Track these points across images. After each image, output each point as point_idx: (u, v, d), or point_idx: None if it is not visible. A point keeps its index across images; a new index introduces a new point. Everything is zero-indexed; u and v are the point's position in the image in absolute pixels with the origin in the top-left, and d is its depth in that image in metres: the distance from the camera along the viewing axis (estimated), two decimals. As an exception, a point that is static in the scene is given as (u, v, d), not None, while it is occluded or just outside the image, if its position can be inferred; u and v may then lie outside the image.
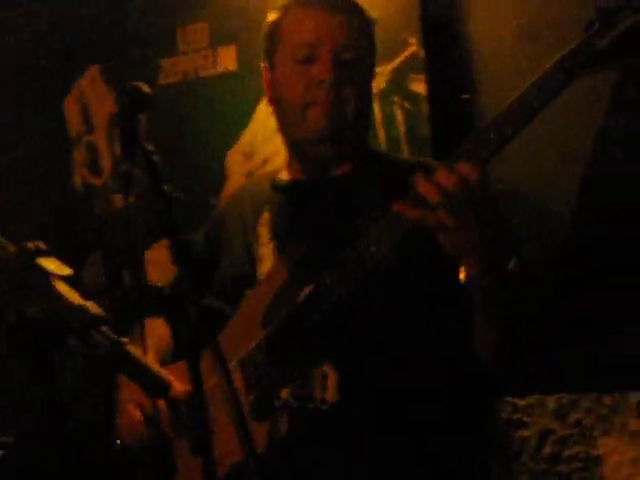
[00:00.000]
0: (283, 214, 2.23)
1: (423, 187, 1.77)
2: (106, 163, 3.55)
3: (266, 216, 2.24)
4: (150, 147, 1.76)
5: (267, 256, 2.18)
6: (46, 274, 1.51)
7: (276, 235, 2.20)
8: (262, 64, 2.28)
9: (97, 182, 3.57)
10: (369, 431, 2.02)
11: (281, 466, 2.00)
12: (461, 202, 1.75)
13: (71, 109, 3.60)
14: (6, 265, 1.51)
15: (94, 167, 3.58)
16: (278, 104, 2.23)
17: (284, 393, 2.03)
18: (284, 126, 2.24)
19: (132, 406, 2.11)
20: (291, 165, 2.29)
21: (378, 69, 2.90)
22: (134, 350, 1.48)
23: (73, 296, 1.50)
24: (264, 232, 2.22)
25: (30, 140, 3.66)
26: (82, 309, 1.48)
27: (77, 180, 3.61)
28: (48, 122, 3.64)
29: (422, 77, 2.87)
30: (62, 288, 1.51)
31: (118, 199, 3.47)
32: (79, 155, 3.61)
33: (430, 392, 2.05)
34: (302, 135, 2.18)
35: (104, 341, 1.44)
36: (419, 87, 2.87)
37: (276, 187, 2.30)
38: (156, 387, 1.44)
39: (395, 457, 2.01)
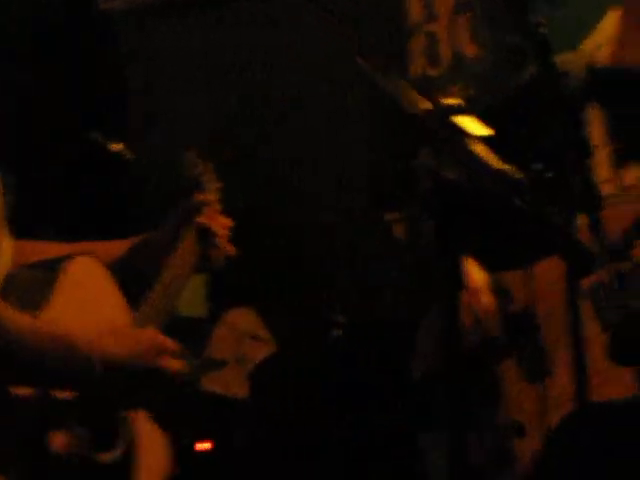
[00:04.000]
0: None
1: None
2: (446, 53, 3.46)
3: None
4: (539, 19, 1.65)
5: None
6: (462, 133, 1.42)
7: None
8: None
9: (434, 73, 3.48)
10: None
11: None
12: None
13: (413, -4, 3.52)
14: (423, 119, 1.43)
15: (432, 57, 3.49)
16: None
17: None
18: None
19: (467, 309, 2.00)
20: None
21: None
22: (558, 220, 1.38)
23: (491, 159, 1.40)
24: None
25: (365, 28, 3.62)
26: (502, 173, 1.38)
27: (413, 70, 3.54)
28: (383, 12, 3.58)
29: None
30: (479, 149, 1.41)
31: (456, 90, 3.37)
32: (417, 44, 3.53)
33: None
34: None
35: (527, 208, 1.34)
36: None
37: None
38: (585, 259, 1.33)
39: None
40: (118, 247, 1.94)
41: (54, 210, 3.45)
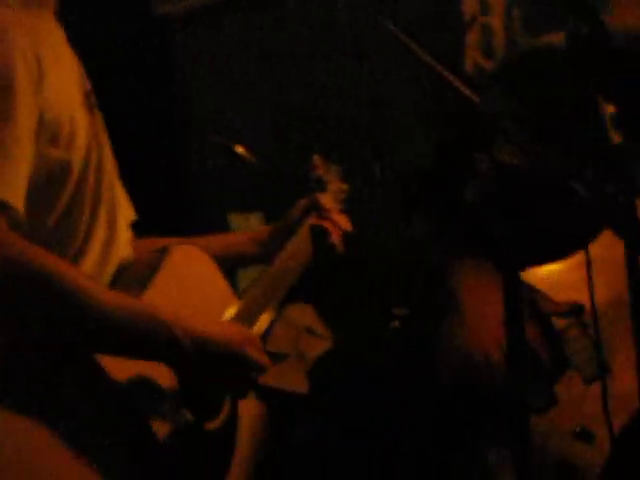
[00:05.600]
0: None
1: None
2: (499, 45, 3.44)
3: None
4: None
5: None
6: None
7: None
8: None
9: (488, 65, 3.46)
10: None
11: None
12: None
13: (468, -11, 3.50)
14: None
15: (487, 50, 3.47)
16: None
17: None
18: None
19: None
20: None
21: None
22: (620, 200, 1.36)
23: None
24: None
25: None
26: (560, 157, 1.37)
27: (468, 63, 3.52)
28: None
29: None
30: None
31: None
32: (472, 37, 3.50)
33: None
34: None
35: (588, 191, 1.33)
36: None
37: None
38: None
39: None
40: (232, 240, 2.02)
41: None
